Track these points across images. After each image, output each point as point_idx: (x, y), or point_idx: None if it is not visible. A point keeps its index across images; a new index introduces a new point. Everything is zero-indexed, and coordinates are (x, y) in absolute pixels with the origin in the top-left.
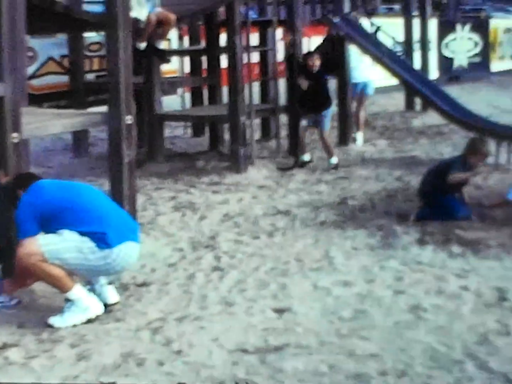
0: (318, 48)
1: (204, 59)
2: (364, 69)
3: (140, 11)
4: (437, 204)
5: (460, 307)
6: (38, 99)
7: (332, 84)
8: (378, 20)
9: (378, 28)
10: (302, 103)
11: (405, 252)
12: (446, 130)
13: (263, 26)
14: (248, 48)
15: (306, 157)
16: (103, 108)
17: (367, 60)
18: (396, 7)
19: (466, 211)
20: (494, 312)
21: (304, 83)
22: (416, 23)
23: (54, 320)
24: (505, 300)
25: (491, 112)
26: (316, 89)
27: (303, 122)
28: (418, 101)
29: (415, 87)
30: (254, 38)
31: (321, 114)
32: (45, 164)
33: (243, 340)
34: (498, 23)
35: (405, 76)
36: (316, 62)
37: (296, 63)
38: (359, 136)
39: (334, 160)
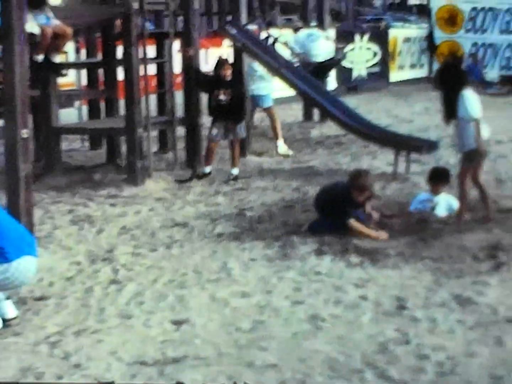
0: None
1: (101, 71)
2: (260, 82)
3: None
4: (334, 216)
5: (359, 317)
6: None
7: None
8: (276, 31)
9: (275, 40)
10: (217, 114)
11: (303, 262)
12: (345, 140)
13: (160, 38)
14: (144, 60)
15: (208, 169)
16: None
17: (264, 71)
18: (295, 18)
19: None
20: (393, 321)
21: (222, 95)
22: None
23: None
24: (404, 309)
25: (390, 121)
26: (231, 98)
27: (214, 133)
28: (316, 112)
29: (313, 97)
30: (151, 50)
31: (236, 124)
32: None
33: (142, 353)
34: (398, 32)
35: (302, 87)
36: (228, 72)
37: (201, 75)
38: (280, 143)
39: (235, 171)
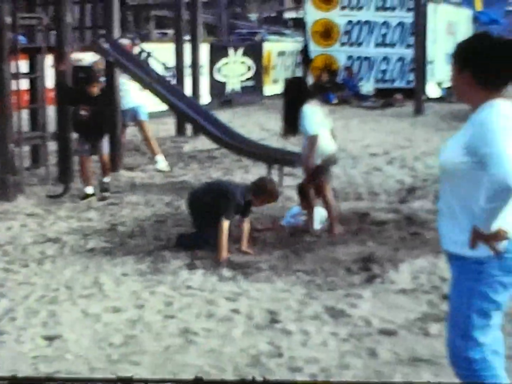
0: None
1: None
2: (134, 94)
3: None
4: (206, 229)
5: (231, 330)
6: None
7: None
8: (150, 46)
9: (149, 54)
10: (78, 129)
11: (175, 277)
12: (217, 155)
13: (33, 53)
14: (17, 75)
15: (89, 189)
16: None
17: (137, 85)
18: (170, 32)
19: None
20: (265, 334)
21: (83, 111)
22: (188, 47)
23: None
24: (276, 322)
25: (264, 135)
26: (93, 114)
27: (80, 148)
28: (189, 126)
29: (185, 112)
30: (24, 65)
31: (98, 140)
32: None
33: (14, 369)
34: (272, 46)
35: (174, 101)
36: (94, 87)
37: (65, 89)
38: (159, 158)
39: (107, 179)
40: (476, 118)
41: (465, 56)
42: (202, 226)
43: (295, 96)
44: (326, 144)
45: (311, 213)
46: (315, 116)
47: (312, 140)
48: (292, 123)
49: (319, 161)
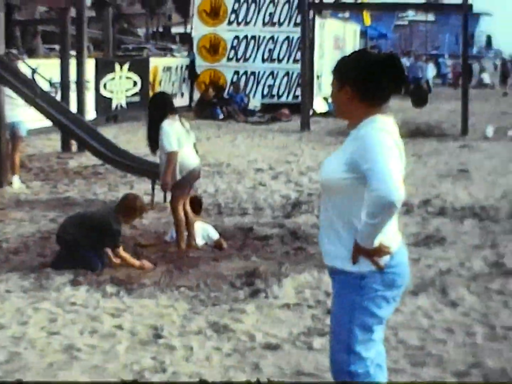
0: None
1: None
2: (13, 109)
3: None
4: (76, 253)
5: (115, 346)
6: None
7: None
8: (37, 61)
9: (34, 71)
10: None
11: (59, 293)
12: (102, 170)
13: None
14: None
15: None
16: None
17: (19, 101)
18: (58, 47)
19: (99, 264)
20: (149, 349)
21: None
22: (74, 63)
23: None
24: (160, 337)
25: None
26: None
27: None
28: (74, 142)
29: (69, 128)
30: None
31: None
32: None
33: None
34: (159, 61)
35: (58, 117)
36: None
37: None
38: (15, 179)
39: None
40: (357, 134)
41: (345, 72)
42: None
43: (156, 112)
44: (188, 160)
45: (181, 229)
46: (174, 132)
47: (170, 157)
48: (155, 139)
49: (179, 176)
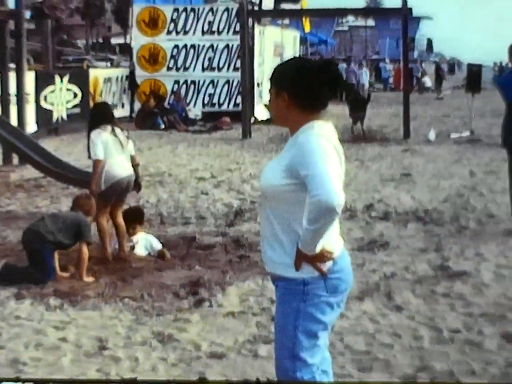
0: None
1: None
2: None
3: None
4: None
5: (60, 359)
6: None
7: None
8: None
9: None
10: None
11: (3, 307)
12: (44, 183)
13: None
14: None
15: None
16: None
17: None
18: None
19: (45, 276)
20: (94, 361)
21: None
22: (13, 76)
23: None
24: (105, 349)
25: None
26: None
27: None
28: (15, 155)
29: (9, 141)
30: None
31: None
32: None
33: None
34: (99, 72)
35: None
36: None
37: None
38: None
39: None
40: (295, 141)
41: (282, 79)
42: (37, 262)
43: (91, 121)
44: (114, 170)
45: (105, 239)
46: (100, 141)
47: (94, 165)
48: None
49: (103, 186)
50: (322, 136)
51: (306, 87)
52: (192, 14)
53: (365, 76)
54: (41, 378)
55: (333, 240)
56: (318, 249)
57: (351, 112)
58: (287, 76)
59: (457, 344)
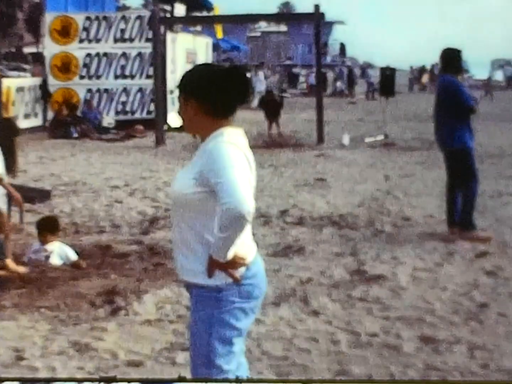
0: None
1: None
2: None
3: None
4: None
5: None
6: None
7: None
8: None
9: None
10: None
11: None
12: None
13: None
14: None
15: None
16: None
17: None
18: None
19: None
20: (12, 372)
21: None
22: None
23: None
24: (22, 359)
25: None
26: None
27: None
28: None
29: None
30: None
31: None
32: None
33: None
34: (11, 82)
35: None
36: None
37: None
38: None
39: None
40: (205, 148)
41: (190, 86)
42: None
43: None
44: None
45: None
46: None
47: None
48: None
49: None
50: (232, 143)
51: (214, 93)
52: (104, 22)
53: (260, 82)
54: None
55: (245, 246)
56: (230, 255)
57: (266, 115)
58: (194, 82)
59: (375, 347)
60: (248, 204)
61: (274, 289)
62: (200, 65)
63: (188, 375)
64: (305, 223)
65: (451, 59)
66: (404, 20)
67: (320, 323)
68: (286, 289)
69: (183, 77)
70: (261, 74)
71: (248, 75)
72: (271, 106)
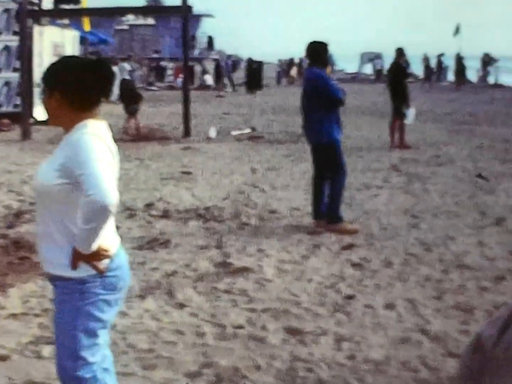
0: None
1: None
2: None
3: None
4: None
5: None
6: None
7: None
8: None
9: None
10: None
11: None
12: None
13: None
14: None
15: None
16: None
17: None
18: None
19: None
20: None
21: None
22: None
23: None
24: None
25: None
26: None
27: None
28: None
29: None
30: None
31: None
32: None
33: None
34: None
35: None
36: None
37: None
38: None
39: None
40: (69, 140)
41: (53, 78)
42: None
43: None
44: None
45: None
46: None
47: None
48: None
49: None
50: (95, 135)
51: (77, 86)
52: None
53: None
54: None
55: (109, 238)
56: (94, 247)
57: (125, 107)
58: (57, 75)
59: (241, 339)
60: (111, 196)
61: (140, 282)
62: (64, 57)
63: (55, 368)
64: (170, 216)
65: (318, 52)
66: (273, 13)
67: (186, 316)
68: (151, 282)
69: (48, 69)
70: (127, 66)
71: (115, 68)
72: (128, 97)
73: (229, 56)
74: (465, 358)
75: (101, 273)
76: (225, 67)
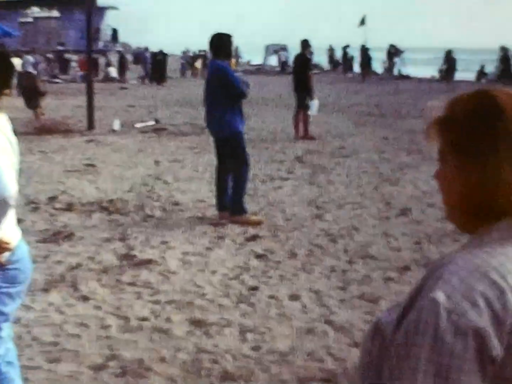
0: None
1: None
2: None
3: None
4: None
5: None
6: None
7: None
8: None
9: None
10: None
11: None
12: None
13: None
14: None
15: None
16: None
17: None
18: None
19: None
20: None
21: None
22: None
23: None
24: None
25: None
26: None
27: None
28: None
29: None
30: None
31: None
32: None
33: None
34: None
35: None
36: None
37: None
38: None
39: None
40: None
41: None
42: None
43: None
44: None
45: None
46: None
47: None
48: None
49: None
50: None
51: None
52: None
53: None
54: None
55: (9, 231)
56: None
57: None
58: None
59: (146, 332)
60: (10, 189)
61: (43, 276)
62: None
63: None
64: (74, 209)
65: (221, 44)
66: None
67: (90, 308)
68: (55, 275)
69: None
70: (31, 59)
71: (19, 61)
72: (29, 93)
73: (146, 49)
74: (365, 345)
75: (2, 266)
76: (143, 60)
